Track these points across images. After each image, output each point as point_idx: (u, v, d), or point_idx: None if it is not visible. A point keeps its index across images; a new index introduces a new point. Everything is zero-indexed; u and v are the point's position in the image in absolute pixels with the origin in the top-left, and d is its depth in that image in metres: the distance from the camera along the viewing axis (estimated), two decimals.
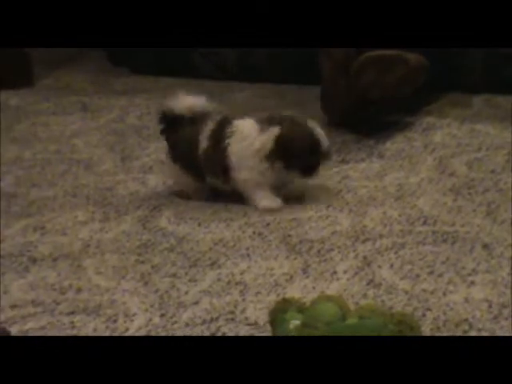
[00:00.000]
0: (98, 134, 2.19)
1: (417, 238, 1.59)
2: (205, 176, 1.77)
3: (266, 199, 1.73)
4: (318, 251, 1.58)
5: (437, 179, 1.80)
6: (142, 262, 1.59)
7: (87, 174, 1.98)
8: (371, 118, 1.85)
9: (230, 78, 2.34)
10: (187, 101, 1.75)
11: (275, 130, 1.70)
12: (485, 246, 1.53)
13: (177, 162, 1.79)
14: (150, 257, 1.61)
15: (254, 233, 1.66)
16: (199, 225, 1.71)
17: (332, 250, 1.57)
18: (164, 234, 1.69)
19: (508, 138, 1.95)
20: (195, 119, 1.75)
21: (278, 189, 1.75)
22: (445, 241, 1.57)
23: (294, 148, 1.70)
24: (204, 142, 1.74)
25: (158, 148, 2.08)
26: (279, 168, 1.72)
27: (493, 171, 1.81)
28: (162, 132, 1.81)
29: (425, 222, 1.64)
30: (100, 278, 1.55)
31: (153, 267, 1.57)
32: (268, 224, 1.69)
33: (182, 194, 1.81)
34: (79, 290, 1.52)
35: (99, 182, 1.93)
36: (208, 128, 1.74)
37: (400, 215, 1.67)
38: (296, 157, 1.70)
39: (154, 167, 1.98)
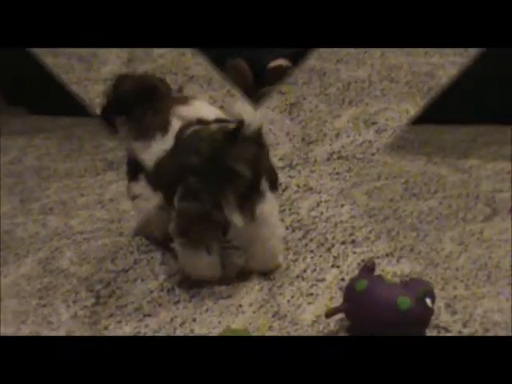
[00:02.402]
0: None
1: None
2: None
3: None
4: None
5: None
6: (44, 306, 1.55)
7: None
8: None
9: None
10: None
11: None
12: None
13: None
14: (51, 300, 1.56)
15: None
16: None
17: (237, 284, 1.57)
18: (66, 276, 1.64)
19: (405, 167, 2.01)
20: None
21: None
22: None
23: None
24: None
25: (59, 188, 2.03)
26: None
27: (391, 200, 1.86)
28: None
29: None
30: None
31: (54, 310, 1.53)
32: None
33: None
34: None
35: None
36: None
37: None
38: None
39: (54, 208, 1.94)
